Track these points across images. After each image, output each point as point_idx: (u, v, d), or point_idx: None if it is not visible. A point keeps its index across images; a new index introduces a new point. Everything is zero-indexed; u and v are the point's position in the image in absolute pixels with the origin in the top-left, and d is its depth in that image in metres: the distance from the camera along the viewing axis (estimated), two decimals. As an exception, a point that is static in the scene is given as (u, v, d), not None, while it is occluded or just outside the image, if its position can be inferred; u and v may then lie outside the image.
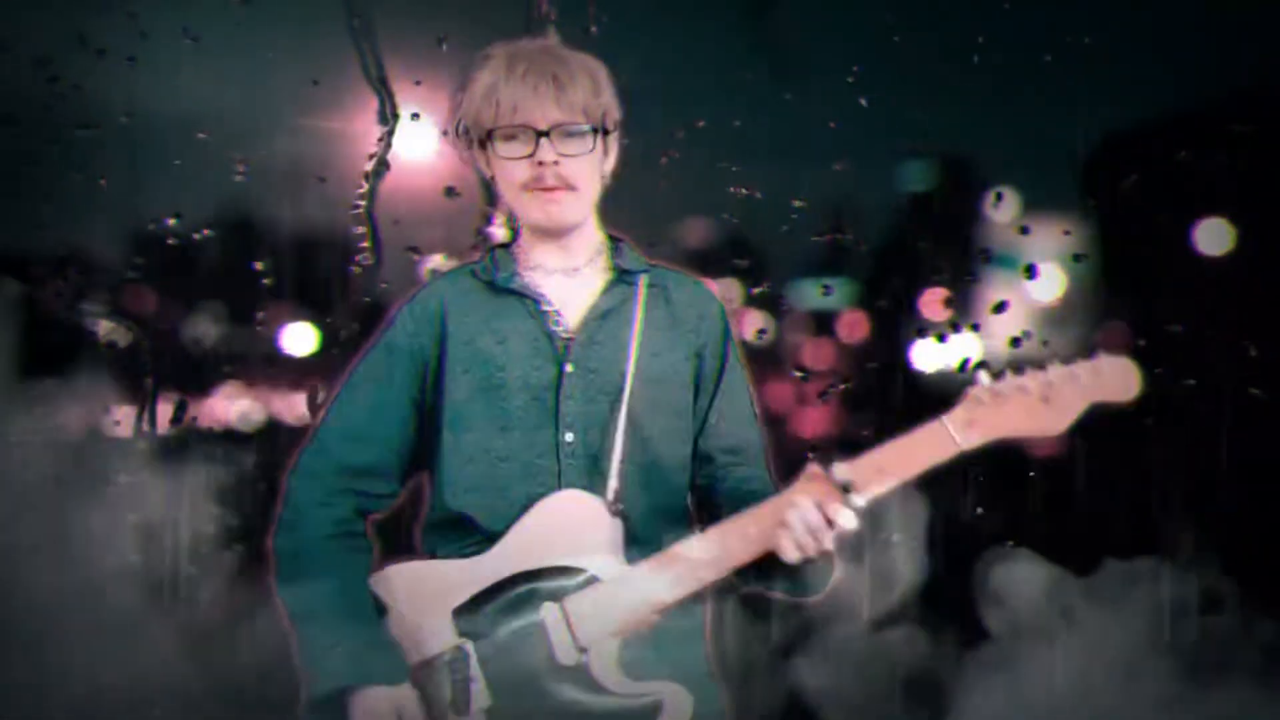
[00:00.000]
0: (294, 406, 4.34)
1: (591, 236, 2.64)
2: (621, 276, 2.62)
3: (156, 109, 4.10)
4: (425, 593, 2.51)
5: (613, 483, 2.50)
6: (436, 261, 4.19)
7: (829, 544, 2.40)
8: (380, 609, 2.52)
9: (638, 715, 2.45)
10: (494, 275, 2.59)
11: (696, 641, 2.59)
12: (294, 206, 4.24)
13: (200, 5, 4.10)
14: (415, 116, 4.17)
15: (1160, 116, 4.56)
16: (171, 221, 4.21)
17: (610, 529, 2.48)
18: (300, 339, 4.37)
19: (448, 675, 2.45)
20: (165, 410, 4.25)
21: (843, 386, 4.44)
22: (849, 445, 2.46)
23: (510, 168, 2.53)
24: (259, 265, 4.26)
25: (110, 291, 4.25)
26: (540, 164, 2.50)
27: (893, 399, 4.41)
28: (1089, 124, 4.40)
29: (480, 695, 2.45)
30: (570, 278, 2.60)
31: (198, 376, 4.31)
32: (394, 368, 2.57)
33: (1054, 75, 4.32)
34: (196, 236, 4.25)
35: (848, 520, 2.38)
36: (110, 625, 3.85)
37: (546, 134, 2.49)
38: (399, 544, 2.64)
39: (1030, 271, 4.40)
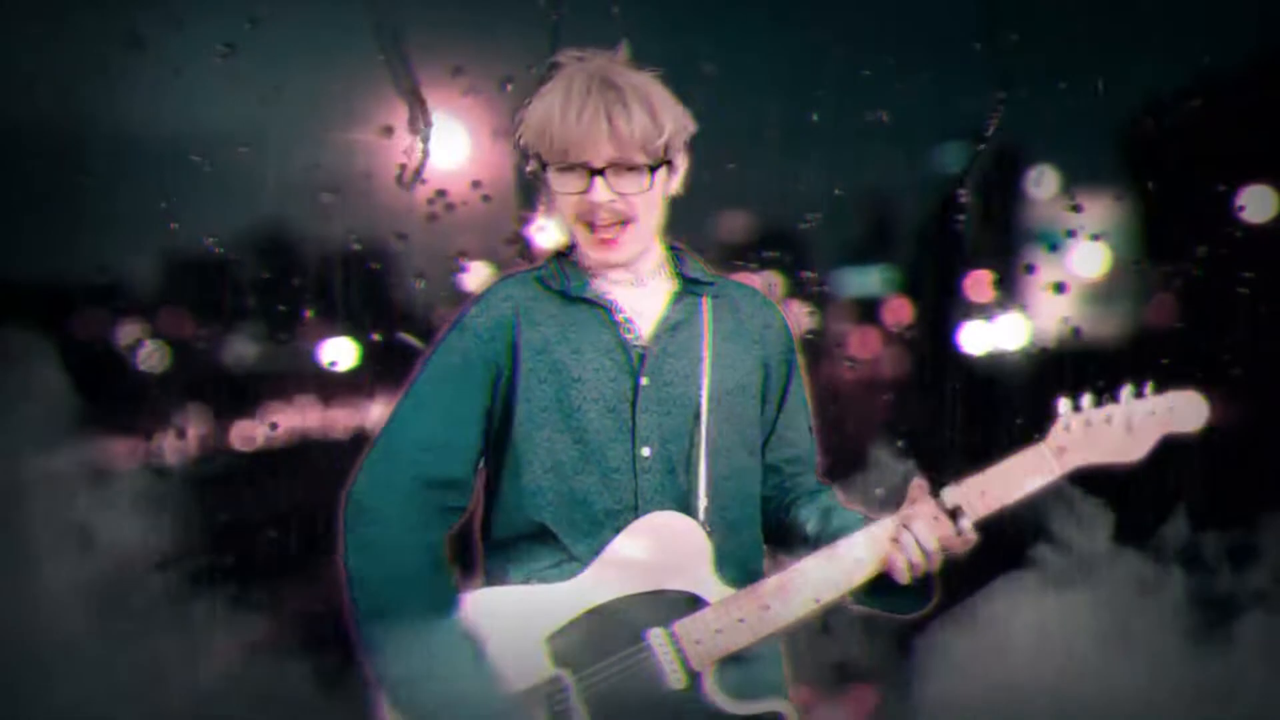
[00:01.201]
0: (334, 422, 4.31)
1: (654, 252, 2.58)
2: (687, 287, 2.57)
3: (188, 127, 4.06)
4: (514, 620, 2.41)
5: (702, 502, 2.47)
6: (479, 269, 4.16)
7: (937, 565, 2.47)
8: (476, 643, 2.41)
9: None
10: (565, 285, 2.53)
11: (777, 661, 2.57)
12: (331, 220, 4.20)
13: (228, 23, 4.05)
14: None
15: (1197, 85, 4.50)
16: (210, 241, 4.17)
17: (705, 549, 2.45)
18: (340, 353, 4.32)
19: (547, 707, 2.38)
20: (203, 432, 4.21)
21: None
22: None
23: (566, 200, 2.47)
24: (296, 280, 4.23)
25: (147, 315, 4.20)
26: (595, 204, 2.44)
27: (944, 382, 4.38)
28: (1127, 95, 4.36)
29: None
30: (637, 288, 2.55)
31: (237, 396, 4.27)
32: (469, 375, 2.48)
33: (1088, 48, 4.27)
34: (229, 254, 4.22)
35: (960, 545, 2.46)
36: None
37: (601, 172, 2.43)
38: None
39: (1053, 248, 4.37)
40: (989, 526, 2.51)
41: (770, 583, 2.44)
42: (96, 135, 4.08)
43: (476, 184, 4.17)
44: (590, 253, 2.50)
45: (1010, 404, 4.35)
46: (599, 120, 2.40)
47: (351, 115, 4.17)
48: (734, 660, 2.42)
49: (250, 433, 4.28)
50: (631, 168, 2.43)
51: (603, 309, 2.52)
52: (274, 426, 4.24)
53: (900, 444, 3.82)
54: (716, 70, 4.08)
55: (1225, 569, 3.97)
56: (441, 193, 4.14)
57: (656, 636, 2.41)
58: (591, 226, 2.47)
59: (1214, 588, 3.96)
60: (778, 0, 4.33)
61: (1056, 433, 2.54)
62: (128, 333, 4.22)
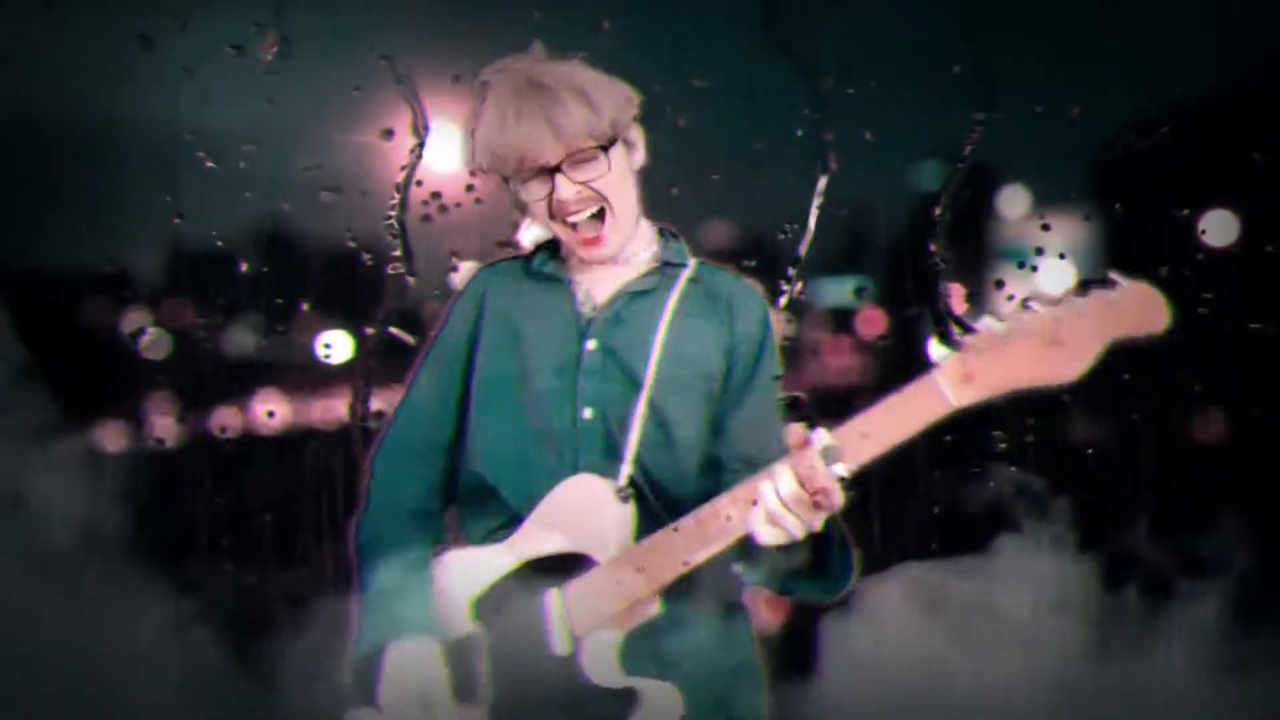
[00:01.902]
0: (329, 412, 4.43)
1: (639, 236, 2.67)
2: (664, 267, 2.64)
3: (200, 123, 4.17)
4: (455, 579, 2.54)
5: (625, 468, 2.51)
6: (472, 268, 4.28)
7: (815, 521, 2.26)
8: (427, 580, 2.57)
9: (608, 703, 2.40)
10: (531, 262, 2.68)
11: (743, 646, 2.58)
12: (329, 218, 4.33)
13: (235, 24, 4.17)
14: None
15: (1166, 110, 4.65)
16: (214, 236, 4.30)
17: (619, 515, 2.46)
18: (336, 347, 4.45)
19: (458, 663, 2.46)
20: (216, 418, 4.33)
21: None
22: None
23: (537, 206, 2.58)
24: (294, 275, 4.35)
25: (150, 305, 4.32)
26: (562, 201, 2.53)
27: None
28: (1099, 117, 4.50)
29: (483, 685, 2.44)
30: (612, 265, 2.65)
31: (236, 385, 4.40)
32: (451, 351, 2.67)
33: (1064, 68, 4.41)
34: (228, 246, 4.33)
35: (829, 492, 2.24)
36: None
37: (558, 168, 2.51)
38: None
39: (1033, 268, 4.49)
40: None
41: (644, 544, 2.41)
42: (105, 129, 4.20)
43: (470, 187, 4.30)
44: (579, 253, 2.61)
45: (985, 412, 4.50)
46: (538, 124, 2.48)
47: (353, 116, 4.30)
48: (682, 637, 2.44)
49: (243, 419, 4.40)
50: (585, 158, 2.51)
51: (563, 282, 2.64)
52: (270, 414, 4.38)
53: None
54: (702, 85, 4.21)
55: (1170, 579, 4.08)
56: (436, 194, 4.28)
57: (551, 597, 2.45)
58: (572, 225, 2.56)
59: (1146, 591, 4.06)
60: (762, 19, 4.45)
61: (961, 355, 2.13)
62: (131, 321, 4.34)
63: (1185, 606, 4.02)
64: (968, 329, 2.13)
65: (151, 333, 4.32)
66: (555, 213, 2.54)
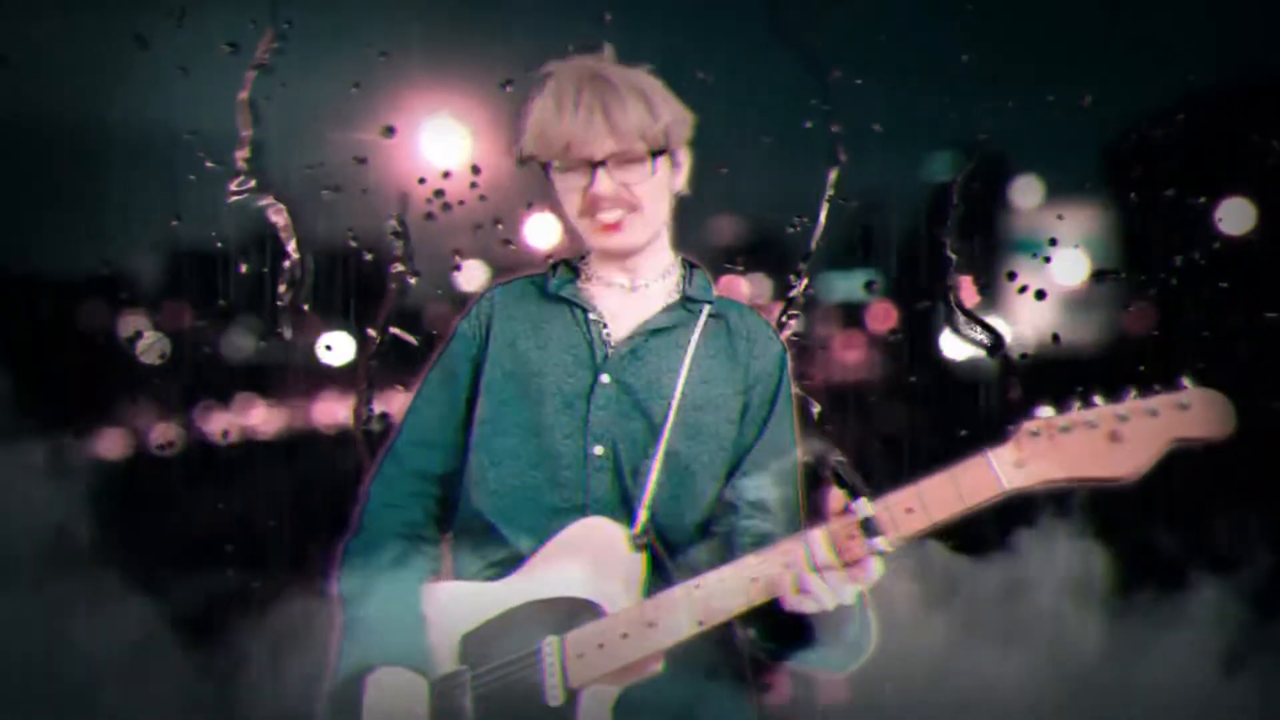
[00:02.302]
0: (331, 414, 4.38)
1: (660, 257, 2.56)
2: (685, 302, 2.54)
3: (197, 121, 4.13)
4: (446, 612, 2.43)
5: (640, 514, 2.39)
6: (475, 268, 4.24)
7: (848, 594, 2.17)
8: (417, 608, 2.46)
9: None
10: (548, 284, 2.56)
11: (733, 684, 2.45)
12: (330, 218, 4.28)
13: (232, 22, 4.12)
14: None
15: (1179, 99, 4.60)
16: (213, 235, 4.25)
17: (629, 563, 2.36)
18: (338, 348, 4.40)
19: (443, 699, 2.36)
20: (207, 423, 4.28)
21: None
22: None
23: (570, 197, 2.48)
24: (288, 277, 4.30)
25: (148, 307, 4.27)
26: (597, 196, 2.44)
27: (925, 390, 4.47)
28: (1113, 109, 4.45)
29: None
30: (630, 294, 2.54)
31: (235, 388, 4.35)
32: (455, 375, 2.55)
33: (1076, 62, 4.36)
34: (227, 248, 4.29)
35: (868, 565, 2.16)
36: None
37: (603, 164, 2.43)
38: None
39: (1046, 259, 4.44)
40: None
41: (659, 598, 2.28)
42: (100, 130, 4.15)
43: (474, 184, 4.25)
44: (594, 241, 2.50)
45: (990, 409, 4.46)
46: (595, 113, 2.41)
47: (352, 114, 4.25)
48: (681, 687, 2.33)
49: (239, 421, 4.35)
50: (631, 159, 2.43)
51: (580, 308, 2.52)
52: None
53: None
54: (708, 77, 4.16)
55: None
56: (440, 192, 4.24)
57: (549, 645, 2.34)
58: (595, 219, 2.47)
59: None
60: (770, 11, 4.40)
61: (1018, 439, 2.12)
62: (128, 324, 4.29)
63: (1202, 599, 3.99)
64: (1029, 415, 2.11)
65: (148, 336, 4.26)
66: (585, 208, 2.46)
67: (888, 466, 4.22)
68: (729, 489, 2.46)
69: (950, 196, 4.45)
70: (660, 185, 2.48)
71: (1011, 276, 4.48)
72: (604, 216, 2.45)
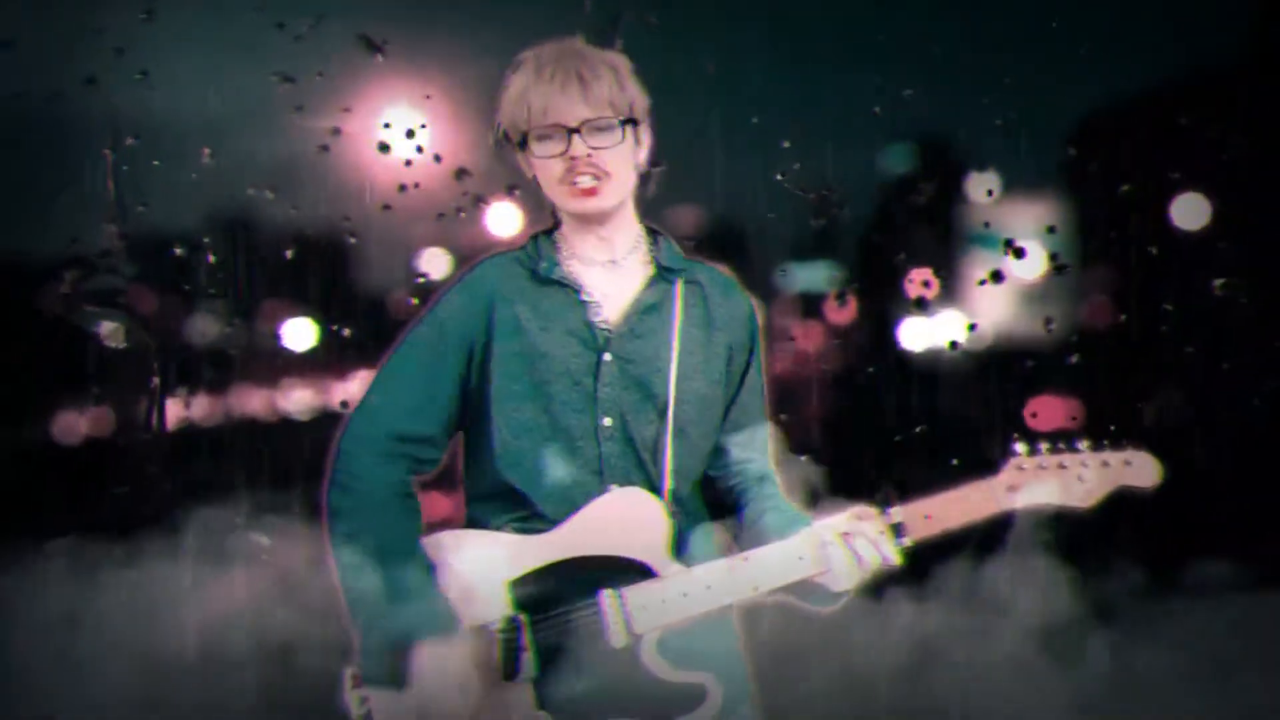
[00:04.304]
0: (297, 401, 4.43)
1: (629, 228, 2.76)
2: (662, 273, 2.76)
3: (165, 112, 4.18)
4: (482, 561, 2.65)
5: (667, 483, 2.69)
6: (432, 253, 4.31)
7: (866, 578, 2.64)
8: (430, 567, 2.65)
9: (681, 700, 2.61)
10: (538, 266, 2.74)
11: (729, 634, 2.75)
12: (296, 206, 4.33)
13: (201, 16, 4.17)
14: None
15: (1136, 92, 4.65)
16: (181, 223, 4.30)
17: (666, 529, 2.65)
18: (300, 334, 4.45)
19: (500, 642, 2.61)
20: (172, 409, 4.33)
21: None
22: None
23: (547, 165, 2.67)
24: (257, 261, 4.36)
25: (113, 293, 4.32)
26: (574, 158, 2.65)
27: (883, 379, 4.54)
28: (1069, 102, 4.51)
29: (528, 665, 2.59)
30: (611, 270, 2.75)
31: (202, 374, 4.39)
32: (445, 346, 2.71)
33: (1034, 55, 4.41)
34: (198, 236, 4.34)
35: (896, 558, 2.63)
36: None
37: (577, 130, 2.64)
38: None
39: (1019, 253, 4.50)
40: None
41: (719, 564, 2.64)
42: (72, 117, 4.20)
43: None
44: (571, 205, 2.70)
45: (951, 399, 4.52)
46: (570, 81, 2.64)
47: (323, 104, 4.31)
48: (679, 632, 2.61)
49: (206, 408, 4.40)
50: (602, 126, 2.65)
51: (573, 290, 2.73)
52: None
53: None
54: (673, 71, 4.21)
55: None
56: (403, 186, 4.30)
57: (607, 597, 2.61)
58: (572, 184, 2.67)
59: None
60: (731, 7, 4.46)
61: (1010, 469, 2.67)
62: (94, 310, 4.33)
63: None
64: (1033, 451, 2.67)
65: (113, 321, 4.31)
66: (563, 175, 2.67)
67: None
68: (719, 432, 2.78)
69: (907, 190, 4.51)
70: (627, 155, 2.70)
71: (1000, 277, 4.51)
72: (581, 181, 2.67)
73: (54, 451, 4.27)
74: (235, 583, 4.06)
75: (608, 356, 2.69)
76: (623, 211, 2.74)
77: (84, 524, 4.03)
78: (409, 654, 2.60)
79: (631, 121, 2.69)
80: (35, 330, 4.25)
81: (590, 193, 2.67)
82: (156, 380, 4.29)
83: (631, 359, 2.70)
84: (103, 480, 4.19)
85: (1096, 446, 2.69)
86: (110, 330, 4.31)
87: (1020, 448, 2.66)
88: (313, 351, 4.43)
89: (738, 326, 2.79)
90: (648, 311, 2.73)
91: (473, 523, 2.74)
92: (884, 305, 4.60)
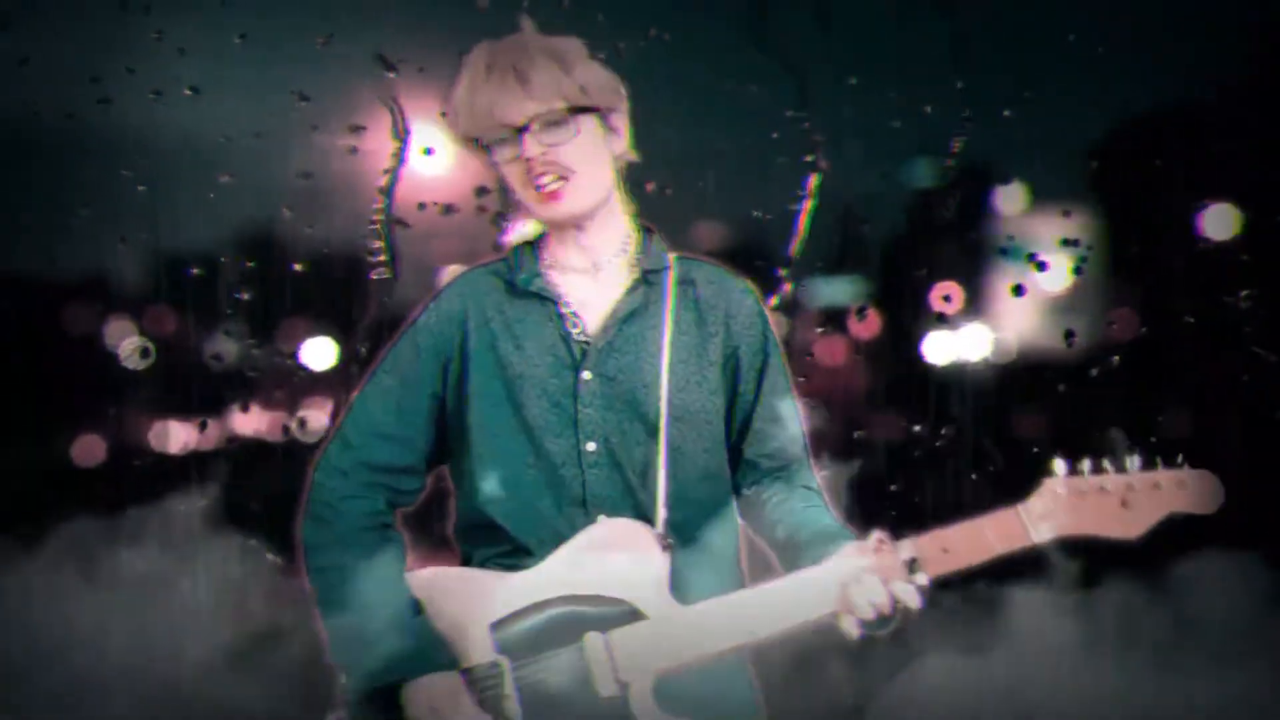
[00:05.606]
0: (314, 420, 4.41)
1: (614, 229, 2.55)
2: (646, 276, 2.53)
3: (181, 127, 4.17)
4: (465, 600, 2.45)
5: (662, 512, 2.44)
6: (453, 270, 4.27)
7: (886, 626, 2.37)
8: (414, 603, 2.47)
9: None
10: (515, 277, 2.53)
11: (741, 671, 2.53)
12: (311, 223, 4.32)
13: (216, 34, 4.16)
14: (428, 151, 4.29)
15: (1163, 105, 4.61)
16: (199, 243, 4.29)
17: (659, 562, 2.41)
18: (320, 354, 4.43)
19: (480, 688, 2.41)
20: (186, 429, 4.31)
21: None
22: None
23: (509, 170, 2.47)
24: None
25: (132, 313, 4.30)
26: (529, 159, 2.43)
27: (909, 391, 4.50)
28: (1094, 115, 4.47)
29: (512, 713, 2.39)
30: (592, 277, 2.53)
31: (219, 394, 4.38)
32: (419, 368, 2.52)
33: (1058, 68, 4.38)
34: (217, 256, 4.33)
35: (911, 600, 2.33)
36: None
37: (526, 128, 2.42)
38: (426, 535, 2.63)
39: (1041, 266, 4.45)
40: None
41: (711, 606, 2.39)
42: (89, 136, 4.19)
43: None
44: (541, 212, 2.48)
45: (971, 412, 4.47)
46: (508, 77, 2.42)
47: (337, 121, 4.29)
48: (681, 677, 2.39)
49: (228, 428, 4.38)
50: (554, 120, 2.43)
51: (550, 302, 2.51)
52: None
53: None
54: (696, 83, 4.19)
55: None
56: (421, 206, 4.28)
57: (593, 641, 2.39)
58: (537, 188, 2.45)
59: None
60: (753, 20, 4.42)
61: (1042, 496, 2.34)
62: (115, 329, 4.32)
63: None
64: (1072, 471, 2.34)
65: (133, 341, 4.30)
66: (525, 179, 2.44)
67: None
68: (747, 447, 2.54)
69: (933, 202, 4.47)
70: (591, 148, 2.47)
71: (1020, 290, 4.46)
72: (543, 183, 2.44)
73: (71, 470, 4.25)
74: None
75: (586, 374, 2.46)
76: (604, 212, 2.51)
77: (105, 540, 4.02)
78: (392, 698, 2.41)
79: (589, 110, 2.46)
80: (51, 347, 4.24)
81: (555, 196, 2.44)
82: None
83: (614, 375, 2.46)
84: (122, 498, 4.17)
85: (1147, 465, 2.32)
86: (128, 349, 4.30)
87: (1058, 467, 2.32)
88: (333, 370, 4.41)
89: (739, 328, 2.53)
90: (628, 320, 2.49)
91: (463, 558, 2.54)
92: (907, 319, 4.56)
